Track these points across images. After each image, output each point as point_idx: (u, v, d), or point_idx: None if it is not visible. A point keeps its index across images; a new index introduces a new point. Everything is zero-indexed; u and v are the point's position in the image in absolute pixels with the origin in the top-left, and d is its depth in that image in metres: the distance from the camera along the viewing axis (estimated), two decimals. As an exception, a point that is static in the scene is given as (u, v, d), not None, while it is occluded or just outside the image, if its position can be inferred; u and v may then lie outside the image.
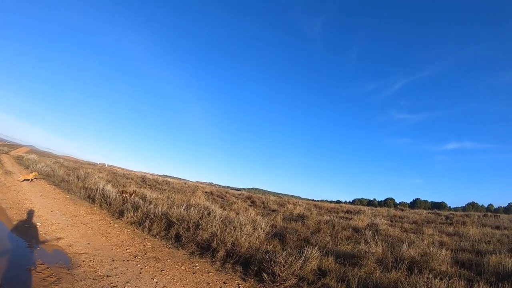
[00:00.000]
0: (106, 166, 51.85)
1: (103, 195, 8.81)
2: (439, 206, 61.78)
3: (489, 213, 23.45)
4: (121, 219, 7.48)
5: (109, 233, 6.46)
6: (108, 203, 8.48)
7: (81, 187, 11.00)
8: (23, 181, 11.64)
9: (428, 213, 24.99)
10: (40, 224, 6.33)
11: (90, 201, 9.44)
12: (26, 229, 6.03)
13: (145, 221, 6.84)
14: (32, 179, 12.28)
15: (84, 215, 7.88)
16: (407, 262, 5.48)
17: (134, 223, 7.11)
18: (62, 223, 6.82)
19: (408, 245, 6.56)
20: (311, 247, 5.41)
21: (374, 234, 8.85)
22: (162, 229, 6.40)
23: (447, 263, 5.95)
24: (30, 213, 7.09)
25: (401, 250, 6.30)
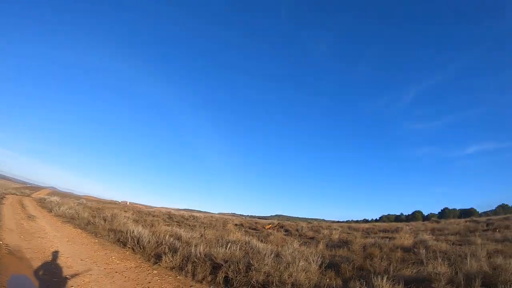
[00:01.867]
0: (128, 204, 51.78)
1: (135, 237, 8.33)
2: (469, 213, 58.37)
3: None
4: (159, 264, 6.92)
5: (149, 282, 5.90)
6: (141, 247, 7.98)
7: (109, 230, 10.59)
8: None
9: (466, 221, 23.29)
10: (70, 276, 5.84)
11: (121, 245, 8.95)
12: (56, 284, 5.55)
13: (186, 265, 6.27)
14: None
15: (117, 262, 7.37)
16: (481, 278, 4.94)
17: (174, 268, 6.54)
18: (95, 273, 6.31)
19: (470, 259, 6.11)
20: (379, 276, 4.87)
21: (427, 252, 8.16)
22: (208, 273, 5.81)
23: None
24: (58, 264, 6.62)
25: (466, 265, 5.81)
